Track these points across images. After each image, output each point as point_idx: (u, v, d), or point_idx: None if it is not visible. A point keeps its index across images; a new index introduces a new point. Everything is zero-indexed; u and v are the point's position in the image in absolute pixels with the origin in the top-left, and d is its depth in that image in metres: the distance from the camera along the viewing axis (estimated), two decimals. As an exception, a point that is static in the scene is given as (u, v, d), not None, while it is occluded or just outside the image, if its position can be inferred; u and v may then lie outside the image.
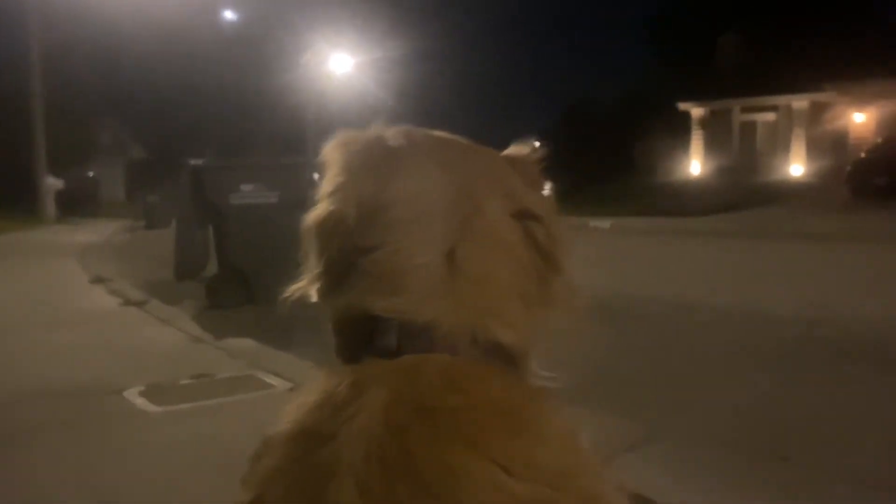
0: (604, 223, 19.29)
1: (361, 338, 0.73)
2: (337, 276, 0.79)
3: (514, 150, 0.92)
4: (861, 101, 24.65)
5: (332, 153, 0.85)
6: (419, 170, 0.81)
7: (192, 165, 7.59)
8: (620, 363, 4.69)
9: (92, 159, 38.11)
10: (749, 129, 30.32)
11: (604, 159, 38.04)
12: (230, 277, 7.04)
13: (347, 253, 0.77)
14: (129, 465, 2.86)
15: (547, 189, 0.92)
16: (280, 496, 0.64)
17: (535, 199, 0.86)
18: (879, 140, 22.10)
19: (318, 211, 0.82)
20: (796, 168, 27.84)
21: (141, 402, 3.58)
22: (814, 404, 3.79)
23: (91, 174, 37.95)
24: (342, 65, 31.54)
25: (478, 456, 0.61)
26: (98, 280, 8.51)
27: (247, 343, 4.86)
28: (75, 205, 28.37)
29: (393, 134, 0.86)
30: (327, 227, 0.80)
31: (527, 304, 0.79)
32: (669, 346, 5.05)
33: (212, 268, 7.73)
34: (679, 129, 31.66)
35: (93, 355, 4.73)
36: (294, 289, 0.88)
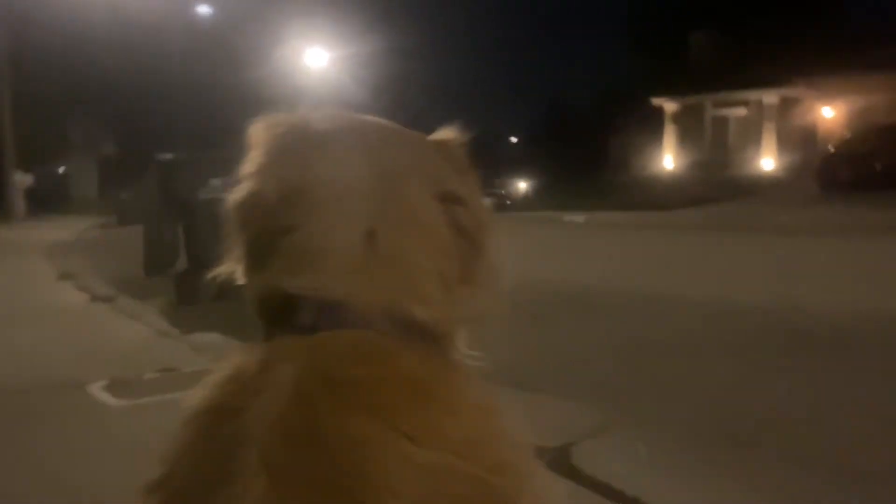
0: (578, 217, 19.42)
1: (280, 317, 0.74)
2: (258, 256, 0.80)
3: (440, 134, 0.93)
4: (830, 96, 25.05)
5: (256, 135, 0.86)
6: (341, 152, 0.82)
7: (160, 160, 7.54)
8: (585, 353, 4.76)
9: (63, 156, 37.54)
10: (721, 123, 30.67)
11: (579, 155, 38.31)
12: (199, 272, 7.00)
13: (268, 234, 0.78)
14: (92, 458, 2.85)
15: (474, 172, 0.93)
16: (187, 471, 0.65)
17: (460, 182, 0.87)
18: (847, 134, 22.48)
19: (239, 192, 0.83)
20: (767, 162, 28.22)
21: (104, 397, 3.56)
22: (774, 392, 3.86)
23: (62, 170, 37.40)
24: (318, 59, 31.35)
25: (382, 426, 0.63)
26: (66, 276, 8.41)
27: (214, 337, 4.84)
28: (46, 201, 27.94)
29: (318, 117, 0.88)
30: (247, 207, 0.81)
31: (447, 284, 0.80)
32: (635, 337, 5.12)
33: (181, 263, 7.68)
34: (652, 125, 31.97)
35: (57, 351, 4.68)
36: (220, 270, 0.89)
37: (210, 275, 0.90)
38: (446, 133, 0.93)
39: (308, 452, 0.60)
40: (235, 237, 0.84)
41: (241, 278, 0.86)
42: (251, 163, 0.84)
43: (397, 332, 0.73)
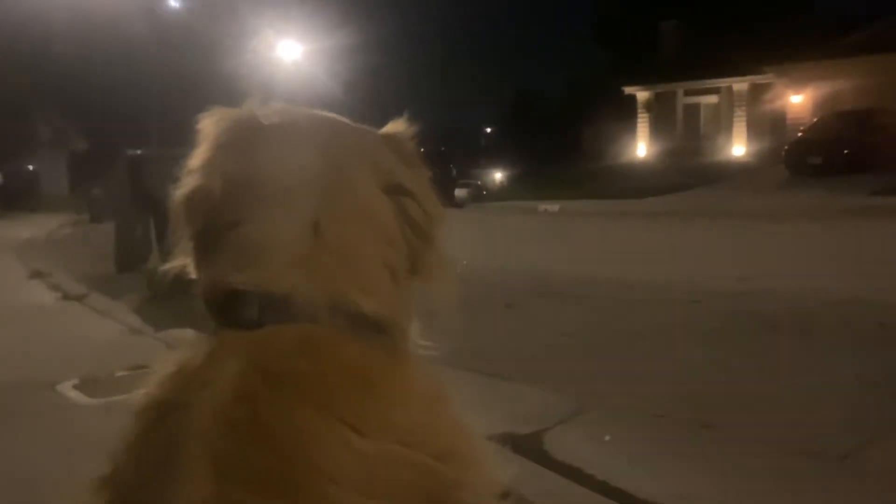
0: (553, 206, 19.52)
1: (226, 311, 0.75)
2: (204, 251, 0.80)
3: (389, 127, 0.94)
4: (798, 83, 25.34)
5: (204, 129, 0.87)
6: (287, 146, 0.82)
7: (130, 155, 7.45)
8: (557, 340, 4.80)
9: (32, 153, 36.89)
10: (693, 111, 30.94)
11: (552, 144, 38.44)
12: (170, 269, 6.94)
13: (213, 228, 0.79)
14: (63, 457, 2.83)
15: (422, 165, 0.93)
16: (134, 465, 0.66)
17: (407, 174, 0.87)
18: (815, 120, 22.80)
19: (185, 186, 0.83)
20: (738, 149, 28.54)
21: (74, 395, 3.54)
22: (740, 374, 3.93)
23: (31, 168, 36.75)
24: (291, 52, 31.04)
25: (327, 417, 0.64)
26: (36, 275, 8.29)
27: (187, 334, 4.80)
28: (15, 199, 27.49)
29: (266, 112, 0.88)
30: (193, 202, 0.81)
31: (396, 275, 0.81)
32: (605, 323, 5.18)
33: (154, 259, 7.60)
34: (625, 113, 32.15)
35: (26, 350, 4.63)
36: (171, 266, 0.90)
37: (163, 270, 0.91)
38: (394, 126, 0.94)
39: (251, 444, 0.61)
40: (183, 232, 0.85)
41: (191, 273, 0.87)
42: (197, 157, 0.84)
43: (343, 324, 0.74)
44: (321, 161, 0.81)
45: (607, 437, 2.92)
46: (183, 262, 0.88)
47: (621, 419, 3.29)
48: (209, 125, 0.87)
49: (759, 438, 3.01)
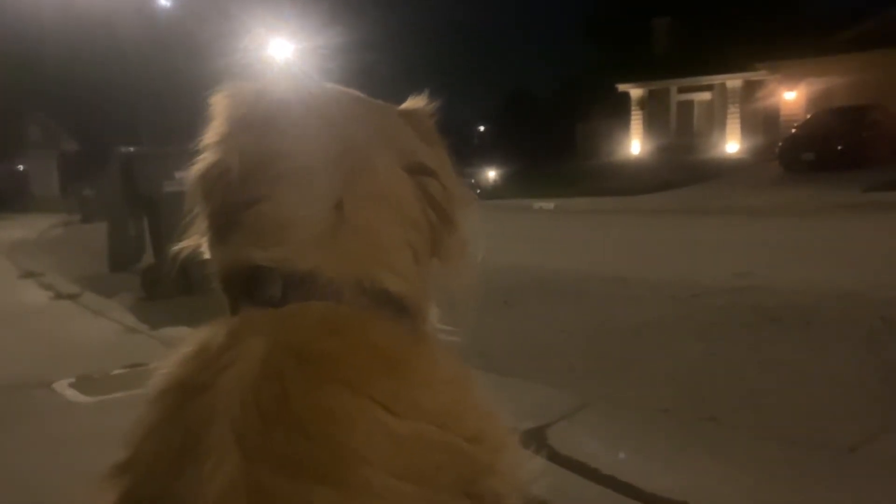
0: (548, 204, 19.52)
1: (247, 290, 0.72)
2: (222, 229, 0.77)
3: (409, 104, 0.91)
4: (791, 79, 25.41)
5: (218, 104, 0.84)
6: (306, 123, 0.80)
7: (122, 154, 7.38)
8: (557, 336, 4.78)
9: (22, 153, 36.73)
10: (686, 108, 31.00)
11: (547, 142, 38.48)
12: (165, 267, 6.89)
13: (231, 206, 0.76)
14: (59, 456, 2.79)
15: (442, 143, 0.91)
16: (154, 452, 0.63)
17: (429, 153, 0.85)
18: (808, 116, 22.86)
19: (201, 163, 0.80)
20: (732, 145, 28.61)
21: (71, 394, 3.50)
22: (742, 367, 3.93)
23: (21, 168, 36.59)
24: (282, 50, 30.94)
25: (356, 396, 0.61)
26: (29, 275, 8.23)
27: (183, 332, 4.74)
28: (6, 200, 27.36)
29: (282, 87, 0.85)
30: (210, 178, 0.79)
31: (418, 256, 0.79)
32: (604, 319, 5.16)
33: (147, 258, 7.55)
34: (619, 111, 32.18)
35: (21, 349, 4.58)
36: (184, 245, 0.87)
37: (174, 249, 0.87)
38: (414, 102, 0.91)
39: (280, 426, 0.59)
40: (198, 210, 0.82)
41: (205, 252, 0.84)
42: (212, 133, 0.81)
43: (368, 303, 0.72)
44: (341, 138, 0.79)
45: (618, 432, 2.89)
46: (196, 240, 0.84)
47: (624, 414, 3.26)
48: (223, 100, 0.84)
49: (765, 431, 3.00)
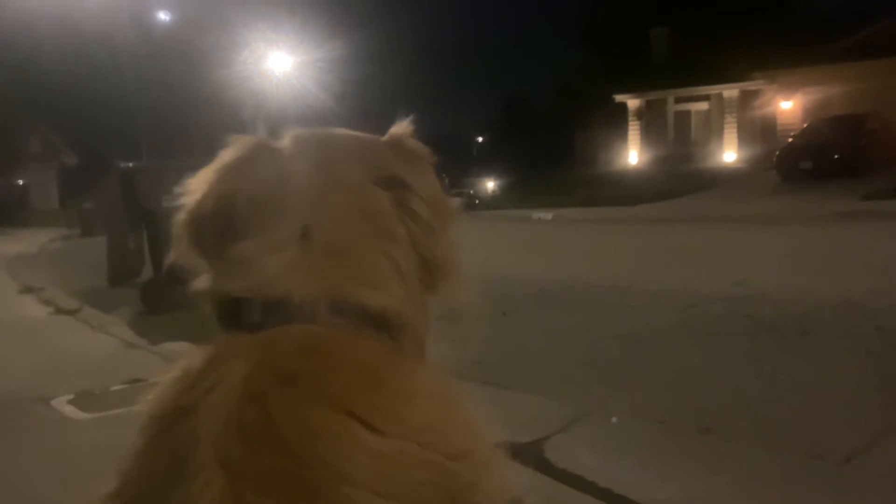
0: (546, 214, 19.56)
1: (232, 318, 0.76)
2: (208, 264, 0.83)
3: (392, 129, 0.93)
4: (788, 89, 25.49)
5: (219, 155, 0.89)
6: (285, 160, 0.84)
7: (122, 168, 7.40)
8: (555, 347, 4.79)
9: (22, 167, 36.78)
10: (683, 118, 31.07)
11: (545, 152, 38.54)
12: (165, 281, 6.89)
13: (213, 242, 0.81)
14: (56, 473, 2.80)
15: (425, 160, 0.92)
16: (143, 476, 0.64)
17: (404, 167, 0.86)
18: (805, 125, 22.93)
19: (185, 206, 0.86)
20: (729, 155, 28.66)
21: (69, 410, 3.50)
22: (739, 377, 3.93)
23: (21, 182, 36.64)
24: (281, 64, 31.06)
25: (336, 413, 0.62)
26: (28, 290, 8.24)
27: (183, 347, 4.75)
28: (5, 214, 27.37)
29: (280, 136, 0.89)
30: (191, 220, 0.84)
31: (401, 269, 0.80)
32: (602, 329, 5.16)
33: (147, 272, 7.56)
34: (616, 121, 32.26)
35: (20, 364, 4.59)
36: (192, 280, 0.90)
37: (181, 285, 0.91)
38: (396, 127, 0.93)
39: (264, 447, 0.60)
40: (188, 248, 0.86)
41: (200, 285, 0.87)
42: (198, 179, 0.87)
43: (346, 321, 0.73)
44: (313, 166, 0.82)
45: (615, 444, 2.89)
46: (194, 275, 0.88)
47: (621, 425, 3.27)
48: (225, 150, 0.89)
49: (762, 441, 3.00)
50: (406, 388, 0.70)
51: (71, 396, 3.69)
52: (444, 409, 0.71)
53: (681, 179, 22.75)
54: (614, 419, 3.26)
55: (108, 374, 4.12)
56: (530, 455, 2.80)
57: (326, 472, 0.59)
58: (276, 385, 0.64)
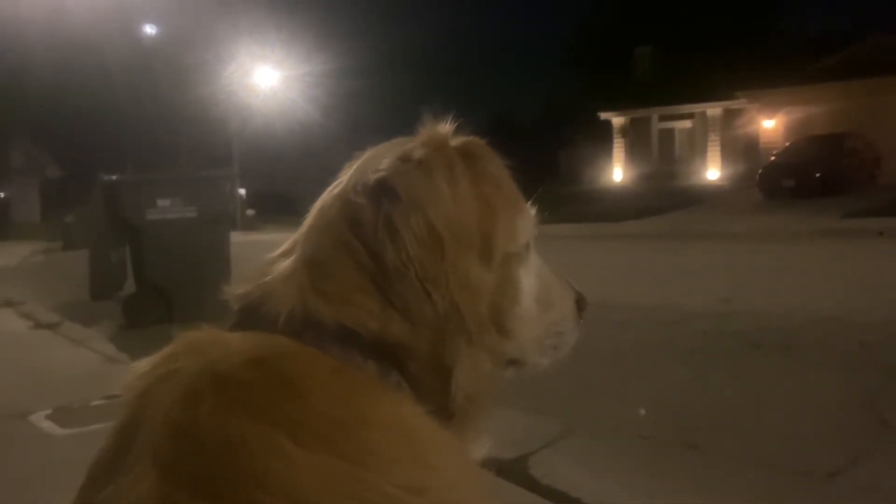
0: (531, 231, 19.56)
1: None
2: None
3: (423, 128, 0.89)
4: (770, 108, 25.80)
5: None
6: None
7: (106, 181, 7.32)
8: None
9: (4, 180, 36.47)
10: (667, 136, 31.36)
11: (530, 169, 38.64)
12: (148, 295, 6.82)
13: None
14: (33, 490, 2.75)
15: (455, 171, 0.82)
16: (94, 467, 0.67)
17: (404, 178, 0.77)
18: (788, 144, 23.19)
19: None
20: (712, 172, 28.92)
21: (47, 426, 3.44)
22: (723, 394, 3.93)
23: (2, 195, 36.29)
24: (267, 78, 31.08)
25: (259, 425, 0.62)
26: (8, 303, 8.14)
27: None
28: (-15, 227, 27.04)
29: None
30: None
31: (379, 283, 0.74)
32: (587, 345, 5.08)
33: (129, 286, 7.48)
34: (601, 138, 32.47)
35: (-3, 380, 4.52)
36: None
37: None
38: (428, 127, 0.89)
39: (191, 450, 0.62)
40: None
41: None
42: None
43: (311, 335, 0.72)
44: (344, 175, 0.85)
45: (600, 460, 2.88)
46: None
47: (606, 441, 3.26)
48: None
49: (746, 457, 3.00)
50: (354, 408, 0.67)
51: (49, 412, 3.63)
52: (399, 440, 0.67)
53: (665, 196, 22.89)
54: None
55: (87, 390, 4.05)
56: (515, 471, 2.79)
57: (240, 476, 0.60)
58: (213, 389, 0.65)
